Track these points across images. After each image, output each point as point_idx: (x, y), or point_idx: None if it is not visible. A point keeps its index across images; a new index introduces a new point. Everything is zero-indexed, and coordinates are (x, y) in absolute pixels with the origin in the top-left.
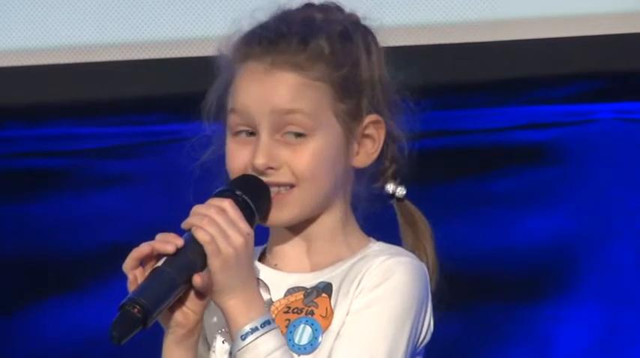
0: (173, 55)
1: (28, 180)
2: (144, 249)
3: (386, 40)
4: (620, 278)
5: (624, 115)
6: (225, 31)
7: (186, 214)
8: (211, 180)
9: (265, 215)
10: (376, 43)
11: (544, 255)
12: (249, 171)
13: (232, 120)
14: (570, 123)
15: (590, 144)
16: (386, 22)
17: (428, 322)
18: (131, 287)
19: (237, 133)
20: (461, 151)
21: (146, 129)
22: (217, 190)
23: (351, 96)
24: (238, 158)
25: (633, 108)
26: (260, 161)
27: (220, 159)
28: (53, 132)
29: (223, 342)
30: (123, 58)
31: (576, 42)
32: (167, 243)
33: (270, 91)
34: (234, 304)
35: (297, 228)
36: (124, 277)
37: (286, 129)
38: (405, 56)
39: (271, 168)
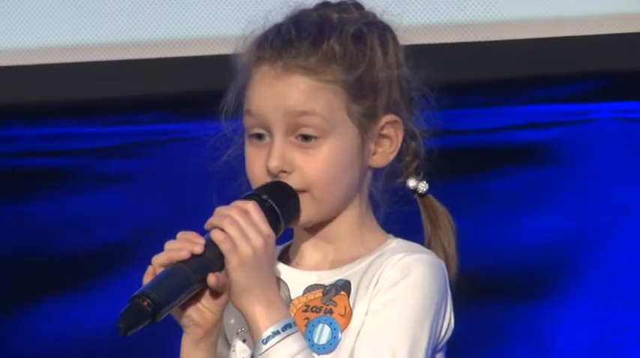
0: (172, 55)
1: (27, 179)
2: (183, 254)
3: None
4: (619, 277)
5: (623, 115)
6: (226, 31)
7: (186, 212)
8: (234, 179)
9: (293, 222)
10: (395, 40)
11: (543, 254)
12: (266, 176)
13: (248, 121)
14: (569, 122)
15: (589, 143)
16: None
17: (448, 318)
18: (147, 278)
19: (252, 136)
20: (459, 151)
21: (145, 129)
22: (244, 194)
23: (365, 97)
24: (256, 163)
25: (632, 107)
26: (273, 164)
27: (240, 157)
28: (52, 131)
29: (244, 341)
30: (122, 58)
31: (575, 41)
32: (195, 244)
33: (283, 95)
34: (254, 307)
35: (315, 228)
36: (123, 276)
37: (300, 131)
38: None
39: (284, 171)
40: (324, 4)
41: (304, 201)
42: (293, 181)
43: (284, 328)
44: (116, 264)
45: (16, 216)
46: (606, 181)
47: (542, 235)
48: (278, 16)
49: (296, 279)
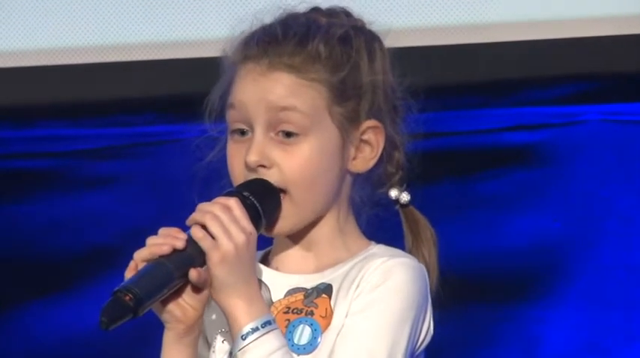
0: (162, 57)
1: (17, 181)
2: (165, 249)
3: None
4: (608, 279)
5: (612, 117)
6: (215, 34)
7: (175, 215)
8: (217, 180)
9: (274, 220)
10: (382, 50)
11: (531, 256)
12: (245, 171)
13: (230, 116)
14: (558, 124)
15: (578, 145)
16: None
17: (427, 324)
18: (128, 273)
19: (234, 131)
20: (448, 153)
21: (135, 131)
22: (226, 191)
23: (349, 99)
24: (237, 159)
25: (621, 109)
26: (252, 158)
27: (224, 158)
28: (42, 133)
29: (223, 342)
30: (112, 60)
31: (564, 44)
32: (177, 239)
33: (266, 90)
34: (235, 303)
35: (296, 233)
36: (114, 278)
37: (281, 127)
38: (391, 58)
39: (263, 166)
40: (314, 9)
41: (285, 206)
42: (272, 177)
43: (264, 324)
44: (107, 266)
45: (5, 218)
46: (594, 183)
47: (530, 237)
48: (266, 17)
49: (278, 282)
